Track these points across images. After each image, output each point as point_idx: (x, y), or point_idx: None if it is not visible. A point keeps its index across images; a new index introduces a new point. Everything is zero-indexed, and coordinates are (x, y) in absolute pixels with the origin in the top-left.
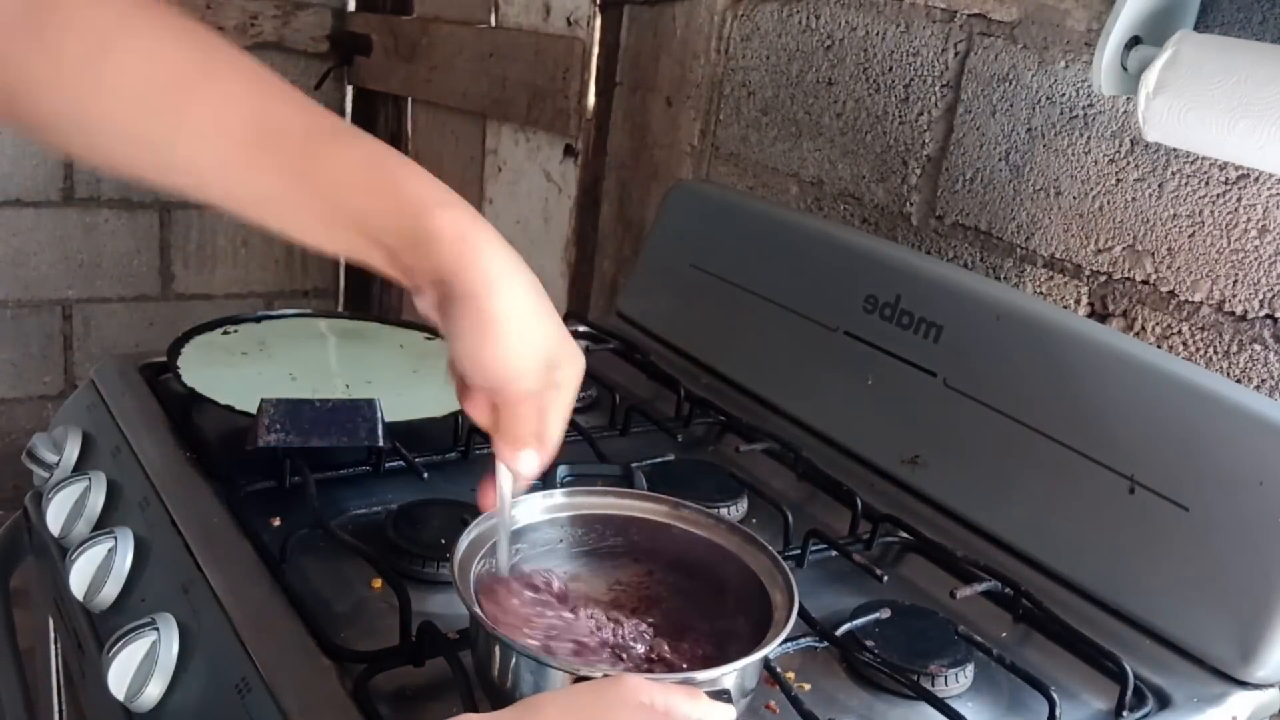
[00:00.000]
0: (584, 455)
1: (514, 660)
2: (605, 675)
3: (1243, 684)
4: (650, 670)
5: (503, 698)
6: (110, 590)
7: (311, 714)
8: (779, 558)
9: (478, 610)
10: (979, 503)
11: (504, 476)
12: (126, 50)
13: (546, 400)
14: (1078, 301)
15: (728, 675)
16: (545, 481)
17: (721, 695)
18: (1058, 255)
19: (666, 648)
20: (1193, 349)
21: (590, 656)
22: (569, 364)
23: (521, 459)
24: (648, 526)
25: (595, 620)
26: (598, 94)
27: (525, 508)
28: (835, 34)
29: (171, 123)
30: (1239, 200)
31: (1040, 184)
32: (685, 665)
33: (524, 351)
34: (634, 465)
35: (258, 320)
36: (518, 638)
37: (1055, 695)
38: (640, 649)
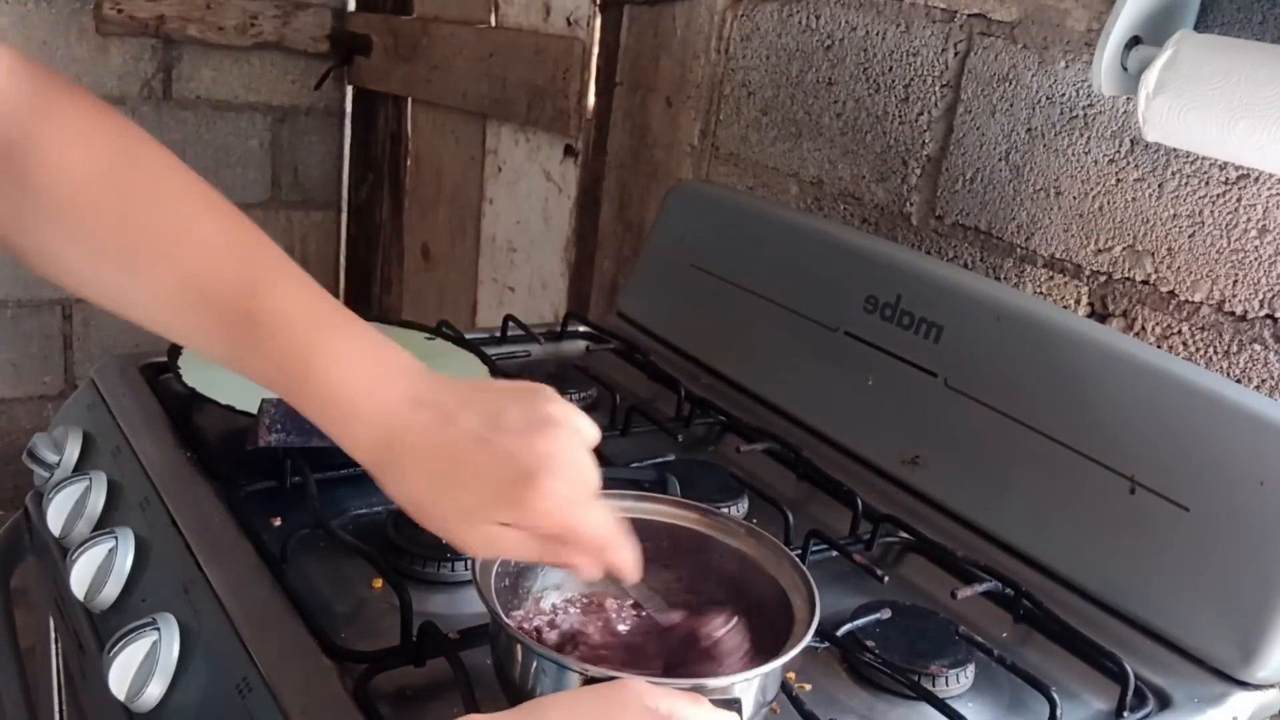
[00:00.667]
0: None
1: (534, 661)
2: (612, 677)
3: (1243, 684)
4: (668, 675)
5: (522, 698)
6: (111, 590)
7: (312, 714)
8: (803, 567)
9: (499, 610)
10: (979, 503)
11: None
12: (93, 209)
13: (546, 507)
14: (1078, 301)
15: (738, 684)
16: None
17: (732, 704)
18: (1058, 255)
19: (685, 652)
20: (1193, 349)
21: (608, 660)
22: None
23: (600, 571)
24: (670, 531)
25: (616, 623)
26: (598, 94)
27: None
28: (835, 34)
29: (126, 285)
30: (1239, 200)
31: (1040, 184)
32: (701, 671)
33: (451, 514)
34: (635, 466)
35: None
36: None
37: (1056, 695)
38: (658, 653)
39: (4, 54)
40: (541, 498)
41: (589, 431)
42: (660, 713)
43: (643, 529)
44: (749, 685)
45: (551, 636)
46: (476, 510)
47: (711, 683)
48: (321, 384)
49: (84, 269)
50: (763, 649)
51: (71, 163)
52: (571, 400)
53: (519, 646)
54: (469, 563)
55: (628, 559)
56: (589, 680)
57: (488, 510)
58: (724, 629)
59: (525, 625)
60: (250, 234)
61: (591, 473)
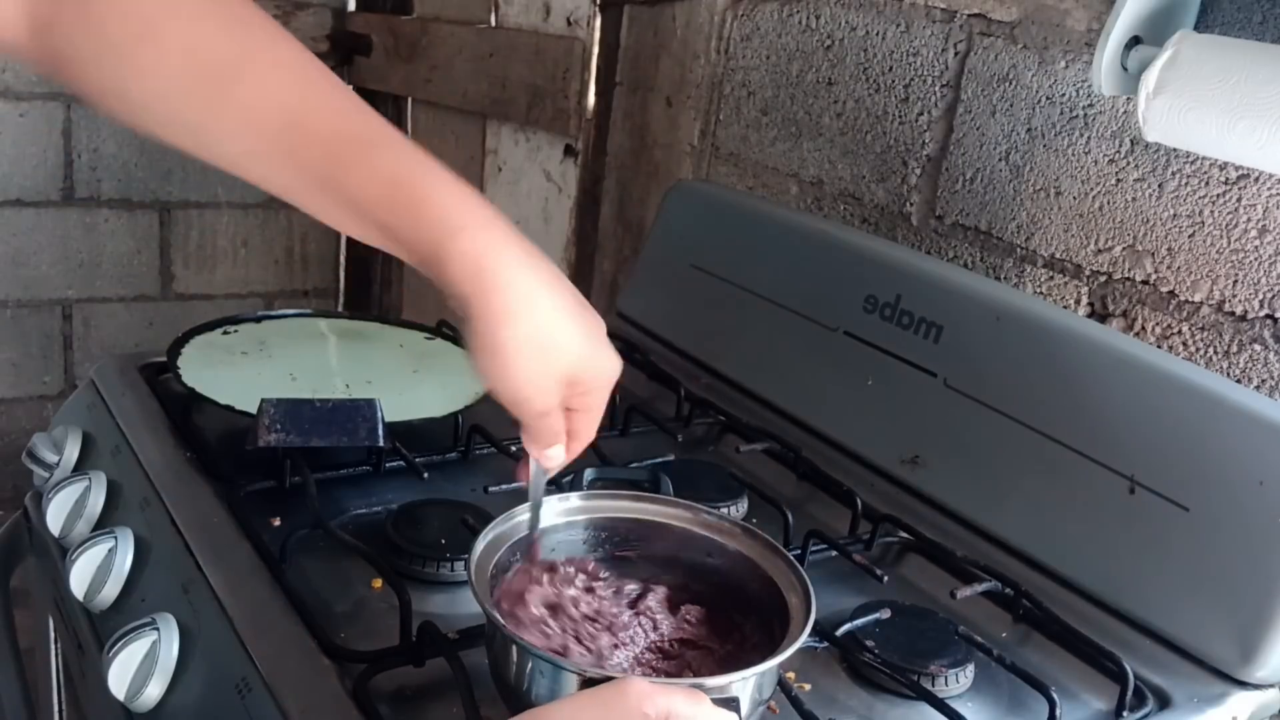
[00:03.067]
0: (584, 455)
1: (529, 662)
2: (610, 677)
3: (1243, 684)
4: (662, 674)
5: (517, 698)
6: (110, 590)
7: (311, 714)
8: (798, 565)
9: (494, 612)
10: (979, 503)
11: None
12: (167, 37)
13: (573, 404)
14: (1078, 301)
15: (736, 682)
16: (570, 485)
17: (730, 703)
18: (1058, 255)
19: (681, 652)
20: (1193, 349)
21: (604, 658)
22: (595, 377)
23: (546, 455)
24: (665, 530)
25: (611, 623)
26: (598, 94)
27: (544, 510)
28: (835, 34)
29: (207, 112)
30: (1239, 200)
31: (1040, 184)
32: (697, 671)
33: (537, 379)
34: (635, 465)
35: (258, 320)
36: (532, 638)
37: (1055, 695)
38: (654, 653)
39: None
40: (609, 369)
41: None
42: (661, 717)
43: (638, 528)
44: (745, 684)
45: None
46: (559, 362)
47: (710, 682)
48: (430, 198)
49: (158, 104)
50: (759, 648)
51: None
52: None
53: (514, 647)
54: (465, 563)
55: (572, 455)
56: (587, 680)
57: (570, 363)
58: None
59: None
60: (330, 73)
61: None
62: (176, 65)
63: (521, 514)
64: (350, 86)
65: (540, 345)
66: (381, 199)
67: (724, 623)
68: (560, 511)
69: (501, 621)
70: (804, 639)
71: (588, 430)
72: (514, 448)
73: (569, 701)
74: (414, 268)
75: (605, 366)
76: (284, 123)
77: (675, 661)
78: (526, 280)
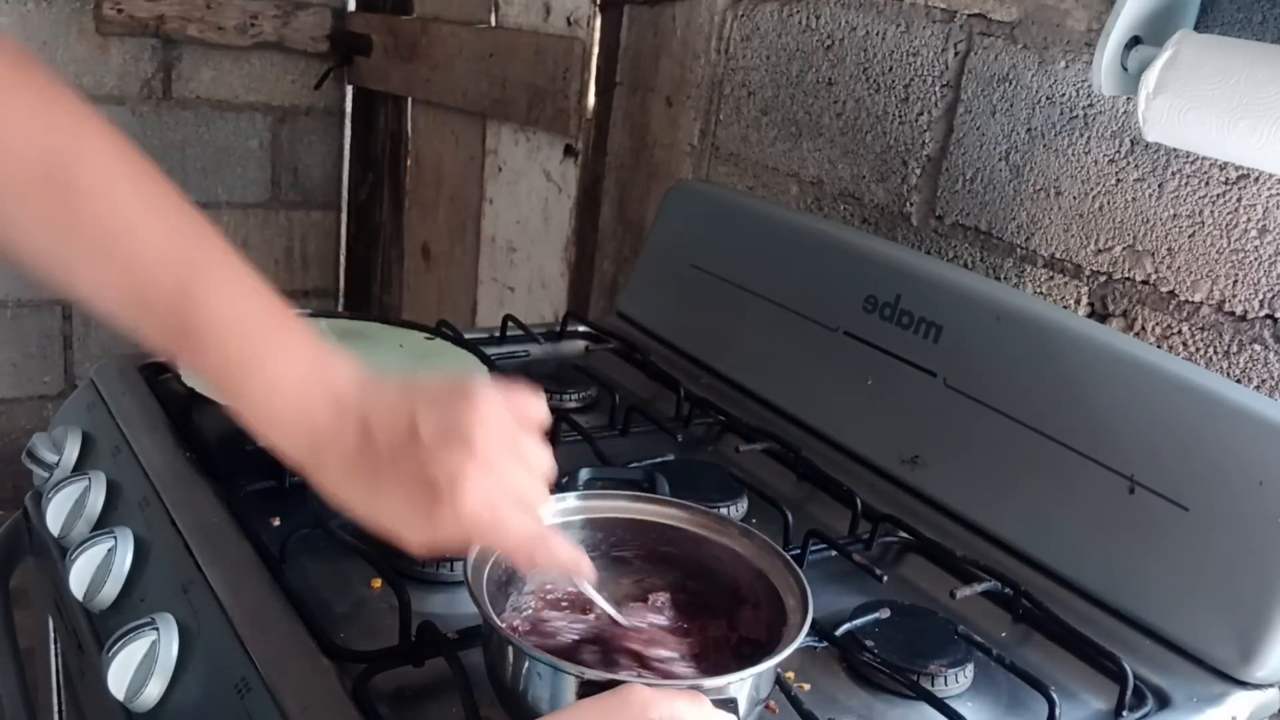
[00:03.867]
0: (584, 455)
1: (525, 664)
2: (610, 680)
3: (1243, 684)
4: (661, 675)
5: (513, 700)
6: (110, 590)
7: (311, 714)
8: (795, 565)
9: (491, 614)
10: (979, 503)
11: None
12: (33, 197)
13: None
14: (1078, 301)
15: (734, 683)
16: (566, 484)
17: (728, 704)
18: (1058, 255)
19: (678, 653)
20: (1193, 349)
21: (602, 661)
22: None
23: (535, 570)
24: (661, 530)
25: (609, 623)
26: (598, 94)
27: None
28: (835, 34)
29: (64, 280)
30: (1239, 200)
31: (1040, 184)
32: (696, 671)
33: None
34: (635, 466)
35: None
36: (530, 640)
37: (1055, 695)
38: (652, 653)
39: None
40: (452, 511)
41: (527, 418)
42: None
43: (635, 529)
44: (743, 685)
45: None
46: (400, 519)
47: (707, 683)
48: (251, 398)
49: (26, 254)
50: (756, 648)
51: (15, 148)
52: (571, 400)
53: (510, 649)
54: (462, 563)
55: (562, 558)
56: (585, 682)
57: (409, 520)
58: (665, 654)
59: (513, 623)
60: (192, 234)
61: (516, 474)
62: (45, 228)
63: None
64: (350, 87)
65: (366, 494)
66: (218, 385)
67: (719, 621)
68: (557, 512)
69: (498, 622)
70: (801, 639)
71: (511, 545)
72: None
73: (571, 711)
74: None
75: (457, 508)
76: (130, 302)
77: (673, 663)
78: (336, 473)
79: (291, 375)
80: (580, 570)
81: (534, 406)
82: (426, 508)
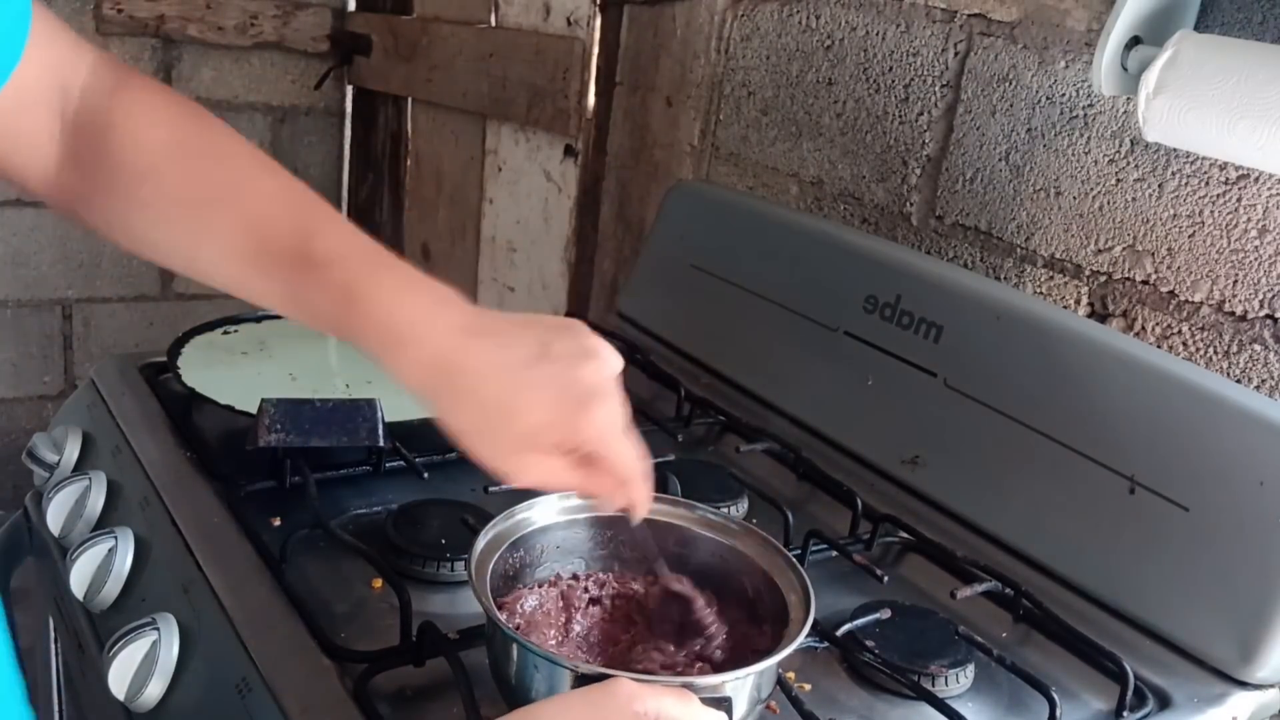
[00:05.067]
0: None
1: (527, 660)
2: (603, 674)
3: (1243, 684)
4: (661, 672)
5: (515, 696)
6: (110, 590)
7: (311, 714)
8: (798, 565)
9: (493, 609)
10: (979, 503)
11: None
12: (165, 175)
13: (590, 451)
14: (1078, 301)
15: (729, 682)
16: None
17: (721, 702)
18: (1058, 255)
19: (678, 651)
20: (1193, 349)
21: (605, 658)
22: (578, 429)
23: (621, 501)
24: (667, 529)
25: (609, 622)
26: (598, 94)
27: (542, 509)
28: (835, 34)
29: (194, 243)
30: (1239, 200)
31: (1040, 184)
32: (694, 669)
33: (503, 453)
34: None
35: (258, 320)
36: (534, 637)
37: (1055, 695)
38: (654, 651)
39: (89, 51)
40: (592, 421)
41: (618, 365)
42: (649, 716)
43: (639, 527)
44: (742, 684)
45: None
46: (528, 434)
47: (701, 681)
48: (376, 313)
49: (155, 233)
50: (758, 647)
51: (147, 136)
52: None
53: (514, 645)
54: (465, 562)
55: (644, 496)
56: (580, 677)
57: (540, 432)
58: (709, 615)
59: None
60: (303, 190)
61: (623, 405)
62: (170, 201)
63: (526, 513)
64: (350, 87)
65: (500, 419)
66: (337, 315)
67: (726, 612)
68: (562, 510)
69: (501, 620)
70: (802, 638)
71: (622, 463)
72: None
73: (557, 700)
74: None
75: (592, 417)
76: (254, 250)
77: (680, 656)
78: (482, 364)
79: (413, 297)
80: (644, 512)
81: (618, 358)
82: (565, 416)
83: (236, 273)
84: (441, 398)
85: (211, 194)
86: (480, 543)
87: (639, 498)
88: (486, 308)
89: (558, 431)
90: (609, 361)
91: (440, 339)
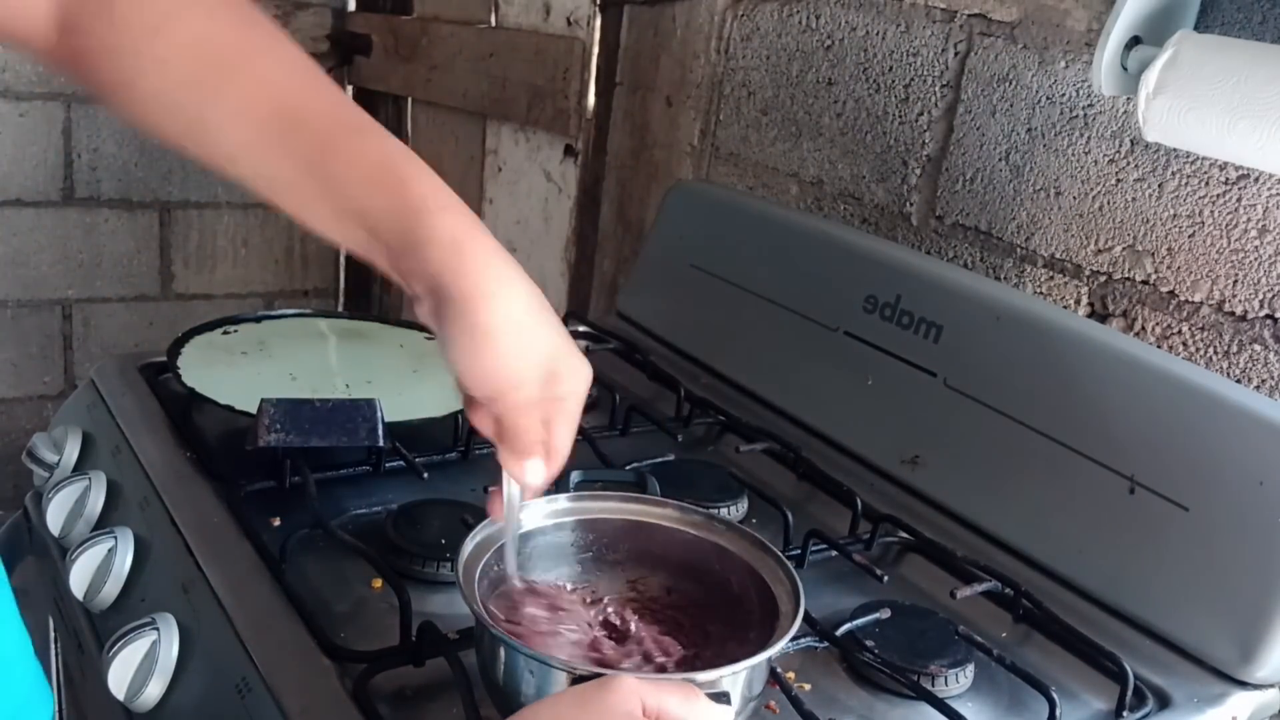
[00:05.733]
0: (584, 455)
1: (518, 662)
2: (599, 674)
3: (1243, 684)
4: (655, 672)
5: (507, 699)
6: (110, 590)
7: (311, 714)
8: (785, 561)
9: (482, 612)
10: (979, 503)
11: (511, 485)
12: (178, 30)
13: (550, 410)
14: (1078, 301)
15: (726, 677)
16: (557, 486)
17: (721, 697)
18: (1058, 255)
19: (672, 650)
20: (1193, 349)
21: (594, 659)
22: (572, 375)
23: (527, 469)
24: (652, 530)
25: (600, 623)
26: (598, 94)
27: (531, 512)
28: (835, 34)
29: (208, 101)
30: (1239, 200)
31: (1040, 184)
32: (689, 667)
33: (518, 361)
34: (634, 466)
35: (258, 320)
36: (525, 640)
37: (1055, 695)
38: (645, 652)
39: None
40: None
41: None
42: (649, 712)
43: (627, 529)
44: (735, 679)
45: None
46: (546, 356)
47: (700, 676)
48: (421, 183)
49: (167, 99)
50: (748, 644)
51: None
52: None
53: (502, 647)
54: (452, 564)
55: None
56: (576, 678)
57: (557, 359)
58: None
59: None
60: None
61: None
62: (184, 57)
63: (501, 536)
64: (350, 87)
65: (521, 328)
66: (367, 180)
67: (713, 620)
68: (548, 513)
69: (490, 621)
70: (793, 632)
71: (564, 442)
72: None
73: (551, 700)
74: (385, 269)
75: (583, 363)
76: (276, 110)
77: (667, 659)
78: (505, 265)
79: (445, 188)
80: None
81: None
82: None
83: (250, 140)
84: (466, 282)
85: (232, 51)
86: (469, 545)
87: (551, 473)
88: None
89: (560, 356)
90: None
91: (475, 224)
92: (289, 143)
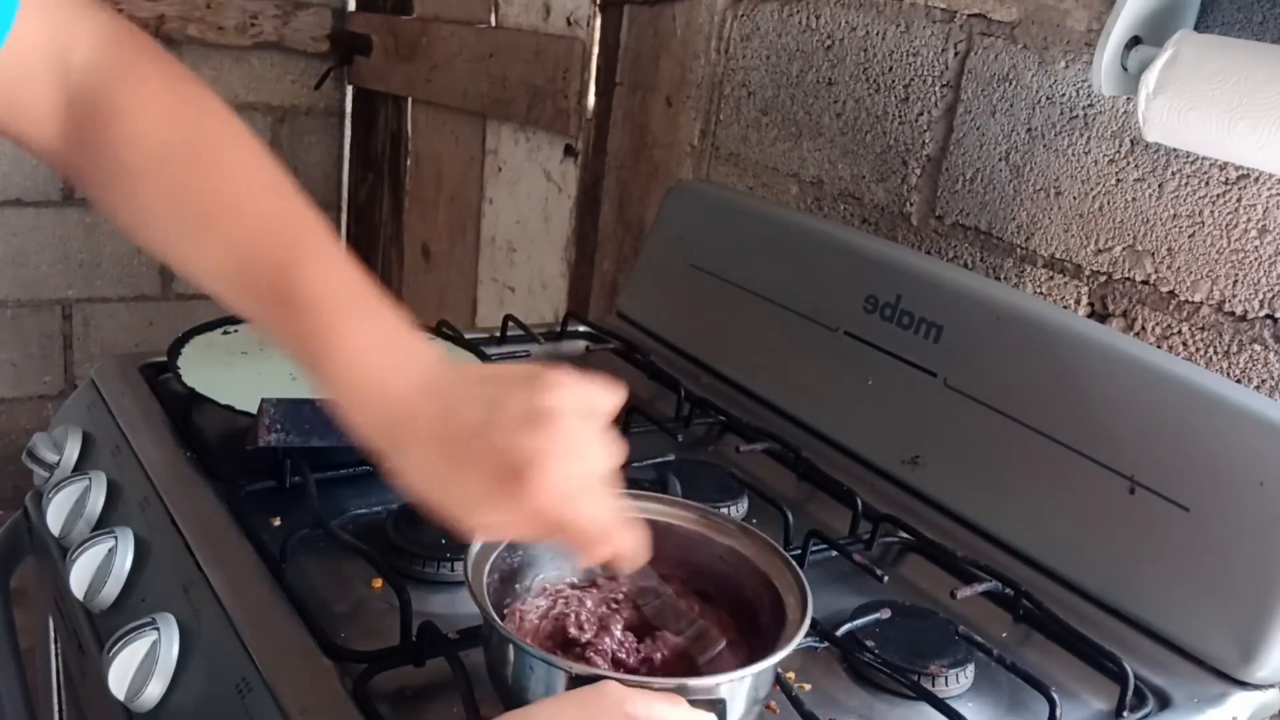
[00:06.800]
0: None
1: (523, 660)
2: (597, 676)
3: (1243, 684)
4: (659, 674)
5: (513, 698)
6: (110, 590)
7: (311, 714)
8: (794, 564)
9: (490, 610)
10: (979, 503)
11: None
12: (164, 174)
13: (560, 498)
14: (1078, 301)
15: (723, 684)
16: None
17: (715, 705)
18: (1058, 255)
19: (674, 652)
20: (1193, 349)
21: (601, 659)
22: (540, 462)
23: (598, 558)
24: (665, 530)
25: (607, 623)
26: (598, 94)
27: None
28: (835, 34)
29: (184, 250)
30: (1239, 200)
31: (1040, 184)
32: (690, 670)
33: (448, 500)
34: (634, 466)
35: None
36: (532, 639)
37: (1055, 695)
38: (649, 653)
39: (94, 20)
40: (531, 493)
41: (600, 408)
42: (639, 718)
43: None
44: (738, 685)
45: (545, 627)
46: (473, 501)
47: (695, 683)
48: (336, 368)
49: (150, 229)
50: (755, 648)
51: (147, 134)
52: None
53: (510, 646)
54: (462, 561)
55: (626, 550)
56: (574, 678)
57: (483, 502)
58: (712, 652)
59: (522, 615)
60: (298, 215)
61: (595, 459)
62: (165, 206)
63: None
64: (350, 87)
65: (442, 489)
66: (303, 359)
67: (723, 620)
68: None
69: (497, 620)
70: (800, 639)
71: (581, 525)
72: None
73: (550, 702)
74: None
75: (531, 489)
76: (237, 273)
77: (681, 662)
78: (426, 434)
79: (374, 347)
80: (635, 563)
81: (606, 395)
82: (504, 489)
83: (221, 290)
84: (391, 458)
85: (203, 209)
86: (477, 543)
87: (611, 555)
88: (453, 358)
89: (495, 505)
90: (568, 418)
91: (392, 401)
92: (246, 301)
